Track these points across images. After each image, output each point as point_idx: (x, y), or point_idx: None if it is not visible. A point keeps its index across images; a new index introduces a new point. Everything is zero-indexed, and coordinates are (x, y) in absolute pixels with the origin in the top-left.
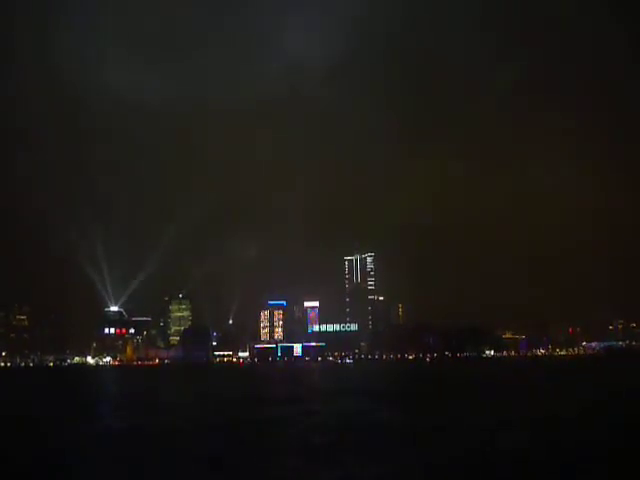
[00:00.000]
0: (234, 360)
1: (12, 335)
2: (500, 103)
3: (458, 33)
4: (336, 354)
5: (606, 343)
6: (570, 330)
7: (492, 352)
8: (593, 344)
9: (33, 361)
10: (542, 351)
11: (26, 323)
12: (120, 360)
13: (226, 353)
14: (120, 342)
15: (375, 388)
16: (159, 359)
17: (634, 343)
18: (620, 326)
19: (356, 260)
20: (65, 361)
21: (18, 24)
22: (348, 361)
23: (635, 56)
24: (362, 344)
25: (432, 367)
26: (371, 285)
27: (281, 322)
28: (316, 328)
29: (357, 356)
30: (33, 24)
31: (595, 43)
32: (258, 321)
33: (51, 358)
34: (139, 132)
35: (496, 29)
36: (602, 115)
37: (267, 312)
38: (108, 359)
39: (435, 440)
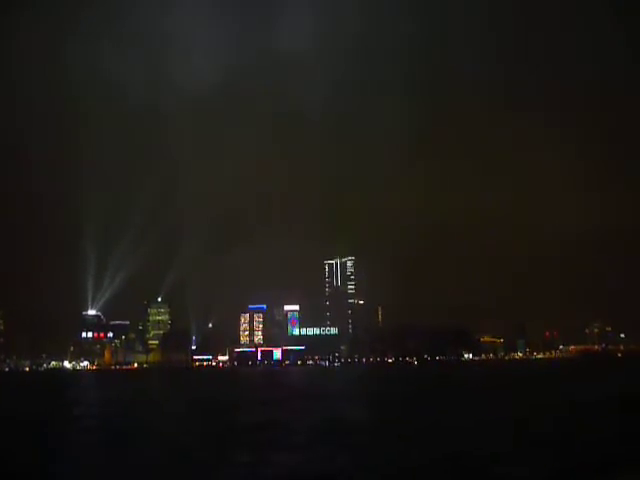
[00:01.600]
0: (214, 364)
1: None
2: (500, 103)
3: (458, 33)
4: (317, 357)
5: (582, 346)
6: (547, 334)
7: (470, 355)
8: (570, 347)
9: (9, 366)
10: (519, 354)
11: (1, 327)
12: (98, 365)
13: (206, 357)
14: (98, 346)
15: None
16: (138, 363)
17: (610, 346)
18: (596, 330)
19: (336, 264)
20: (42, 366)
21: (21, 23)
22: (336, 364)
23: (635, 56)
24: (342, 347)
25: (420, 370)
26: (351, 289)
27: (261, 326)
28: (296, 332)
29: (337, 360)
30: (34, 23)
31: (595, 43)
32: (238, 325)
33: (27, 363)
34: (123, 132)
35: (497, 29)
36: (602, 115)
37: (247, 316)
38: (85, 364)
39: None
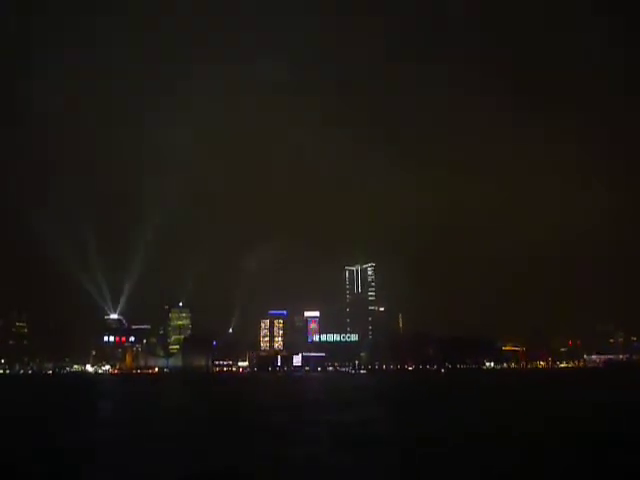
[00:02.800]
0: (234, 369)
1: (11, 342)
2: (500, 104)
3: (458, 33)
4: (336, 364)
5: (606, 356)
6: (570, 342)
7: (492, 364)
8: (593, 357)
9: (32, 369)
10: (542, 363)
11: (25, 330)
12: (119, 369)
13: (226, 362)
14: (120, 350)
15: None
16: (158, 368)
17: (634, 357)
18: (621, 339)
19: (357, 270)
20: (64, 369)
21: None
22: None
23: (635, 56)
24: (362, 354)
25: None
26: (372, 295)
27: (281, 332)
28: (316, 338)
29: (359, 366)
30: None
31: (595, 44)
32: (258, 330)
33: (50, 366)
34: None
35: (496, 29)
36: (602, 115)
37: (267, 321)
38: (107, 367)
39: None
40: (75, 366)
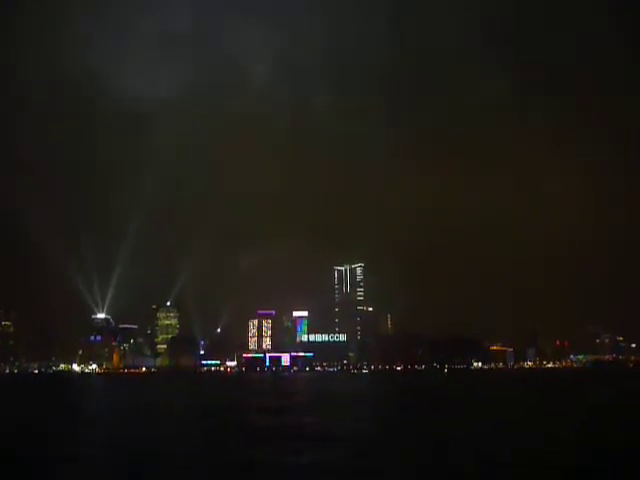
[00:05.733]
0: (221, 369)
1: None
2: (501, 103)
3: (458, 33)
4: (325, 364)
5: (593, 356)
6: (557, 343)
7: (480, 364)
8: (580, 357)
9: (18, 368)
10: (529, 363)
11: (11, 329)
12: (106, 368)
13: (214, 362)
14: (106, 350)
15: None
16: (146, 368)
17: (620, 357)
18: (607, 340)
19: (346, 271)
20: (50, 368)
21: (21, 22)
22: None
23: (635, 56)
24: (350, 354)
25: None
26: (360, 296)
27: (270, 331)
28: (305, 338)
29: (345, 367)
30: (36, 21)
31: (595, 43)
32: (247, 330)
33: (36, 365)
34: (131, 138)
35: (496, 29)
36: (602, 115)
37: (256, 321)
38: (94, 367)
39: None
40: (61, 365)
